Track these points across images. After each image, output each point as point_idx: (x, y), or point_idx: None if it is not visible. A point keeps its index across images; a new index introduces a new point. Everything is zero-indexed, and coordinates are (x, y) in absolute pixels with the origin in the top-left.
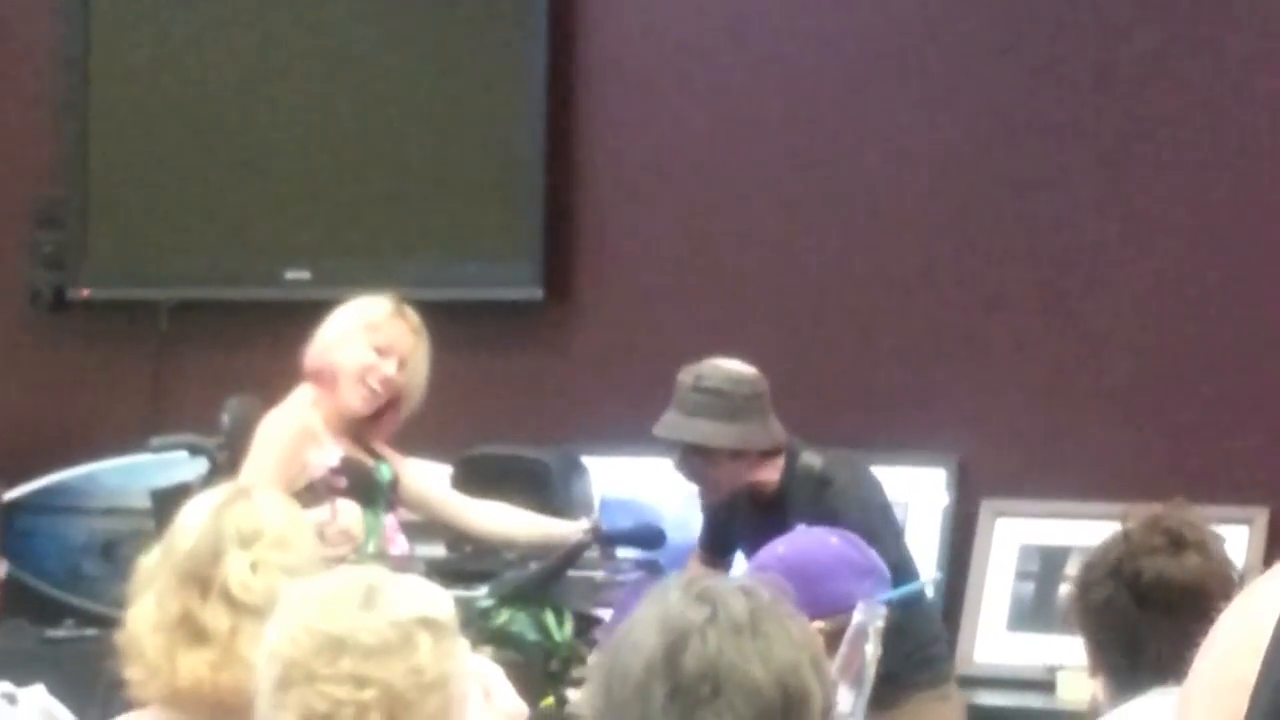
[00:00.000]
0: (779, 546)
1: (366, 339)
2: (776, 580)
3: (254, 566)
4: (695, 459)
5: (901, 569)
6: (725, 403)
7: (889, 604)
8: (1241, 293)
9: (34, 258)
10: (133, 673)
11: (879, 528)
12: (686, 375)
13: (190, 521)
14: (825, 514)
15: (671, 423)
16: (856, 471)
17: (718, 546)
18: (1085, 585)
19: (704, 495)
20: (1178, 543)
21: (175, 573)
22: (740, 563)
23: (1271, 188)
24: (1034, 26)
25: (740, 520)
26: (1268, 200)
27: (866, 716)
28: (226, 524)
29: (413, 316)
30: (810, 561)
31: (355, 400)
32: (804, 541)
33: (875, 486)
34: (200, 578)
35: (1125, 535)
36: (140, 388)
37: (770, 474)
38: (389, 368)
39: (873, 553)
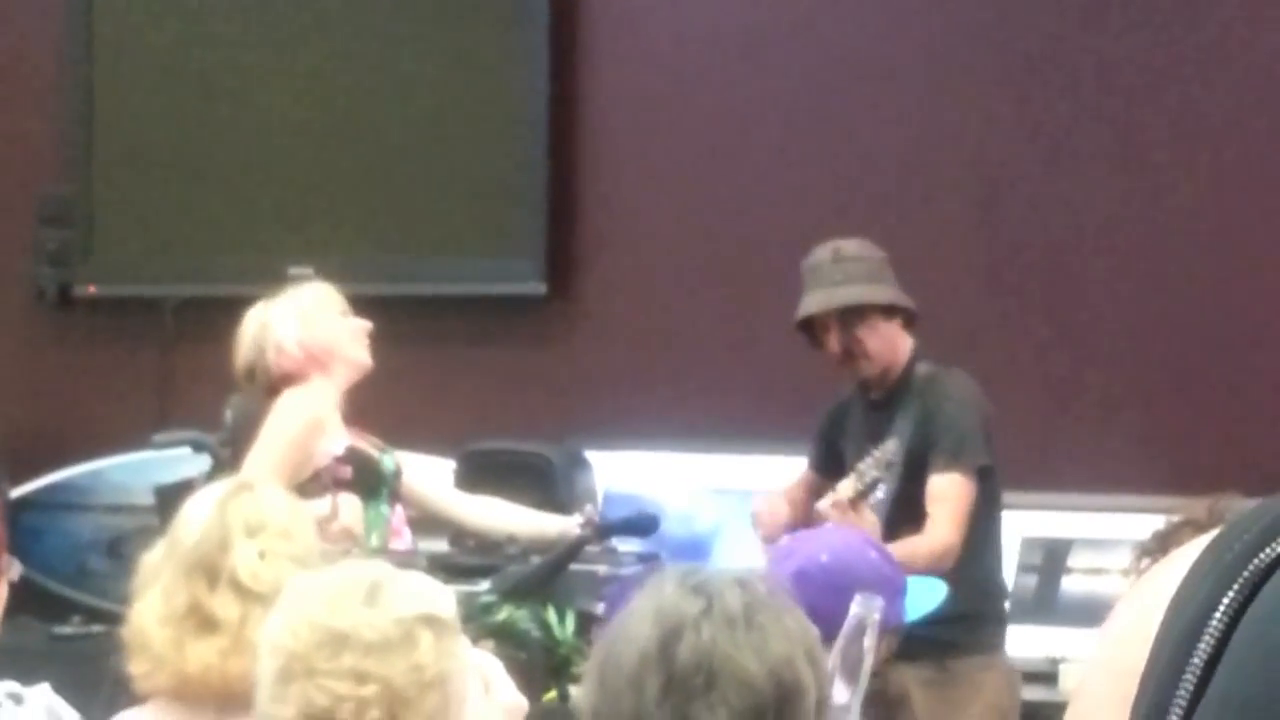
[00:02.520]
0: (821, 553)
1: (327, 310)
2: (809, 592)
3: (262, 555)
4: (853, 328)
5: (989, 480)
6: (869, 266)
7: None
8: (1246, 287)
9: (39, 255)
10: (137, 666)
11: (972, 428)
12: (821, 253)
13: (195, 515)
14: (927, 410)
15: (824, 297)
16: (967, 381)
17: (827, 464)
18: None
19: (862, 369)
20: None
21: (182, 565)
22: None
23: (1277, 184)
24: (1041, 27)
25: (851, 427)
26: (1271, 197)
27: (905, 675)
28: (232, 515)
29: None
30: (852, 574)
31: (363, 356)
32: (846, 552)
33: (981, 399)
34: (208, 568)
35: (1188, 523)
36: (145, 384)
37: (906, 350)
38: (361, 321)
39: (899, 566)
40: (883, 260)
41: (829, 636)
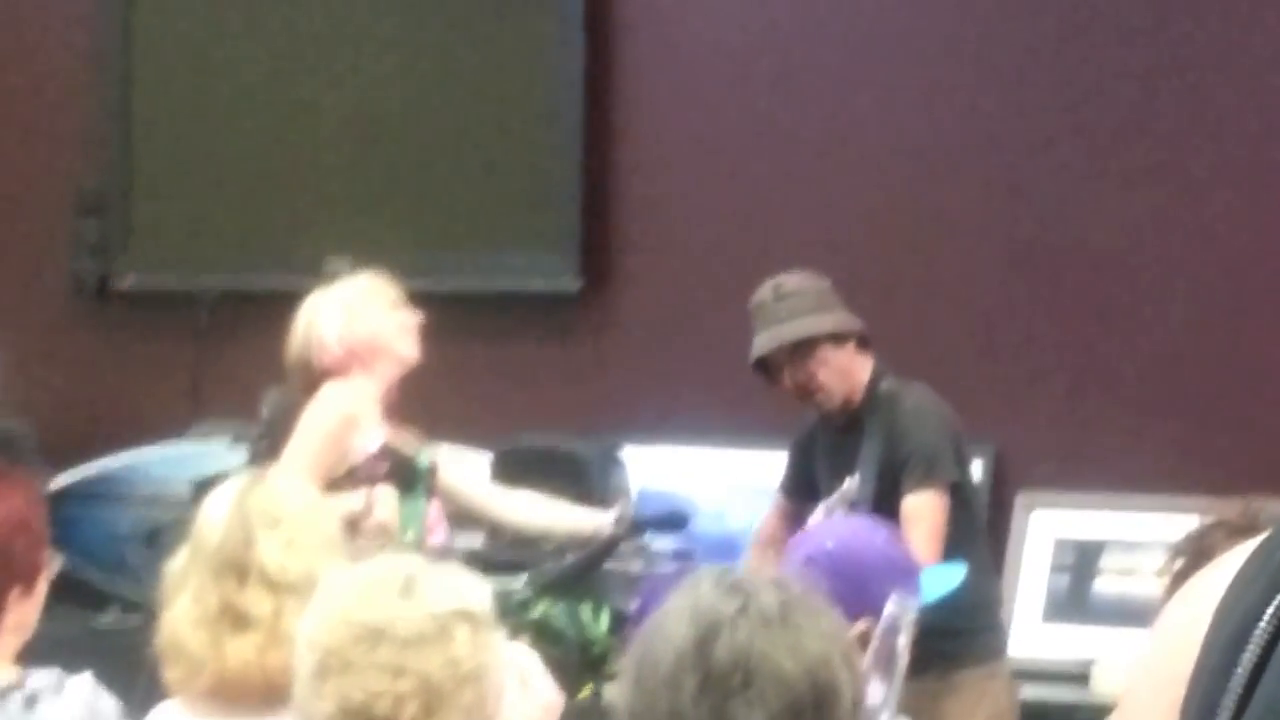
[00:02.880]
0: (828, 540)
1: (375, 303)
2: (818, 579)
3: (287, 545)
4: (804, 362)
5: (963, 495)
6: (810, 298)
7: (981, 595)
8: None
9: (77, 248)
10: (173, 672)
11: (942, 446)
12: (763, 293)
13: (214, 515)
14: (895, 432)
15: (769, 335)
16: (928, 395)
17: (799, 487)
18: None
19: (820, 402)
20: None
21: (209, 566)
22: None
23: None
24: (1084, 13)
25: (820, 451)
26: None
27: (901, 702)
28: (250, 510)
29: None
30: (858, 561)
31: (409, 350)
32: (853, 538)
33: (945, 411)
34: (235, 566)
35: (1221, 524)
36: (182, 377)
37: (863, 373)
38: (410, 313)
39: (911, 551)
40: (825, 290)
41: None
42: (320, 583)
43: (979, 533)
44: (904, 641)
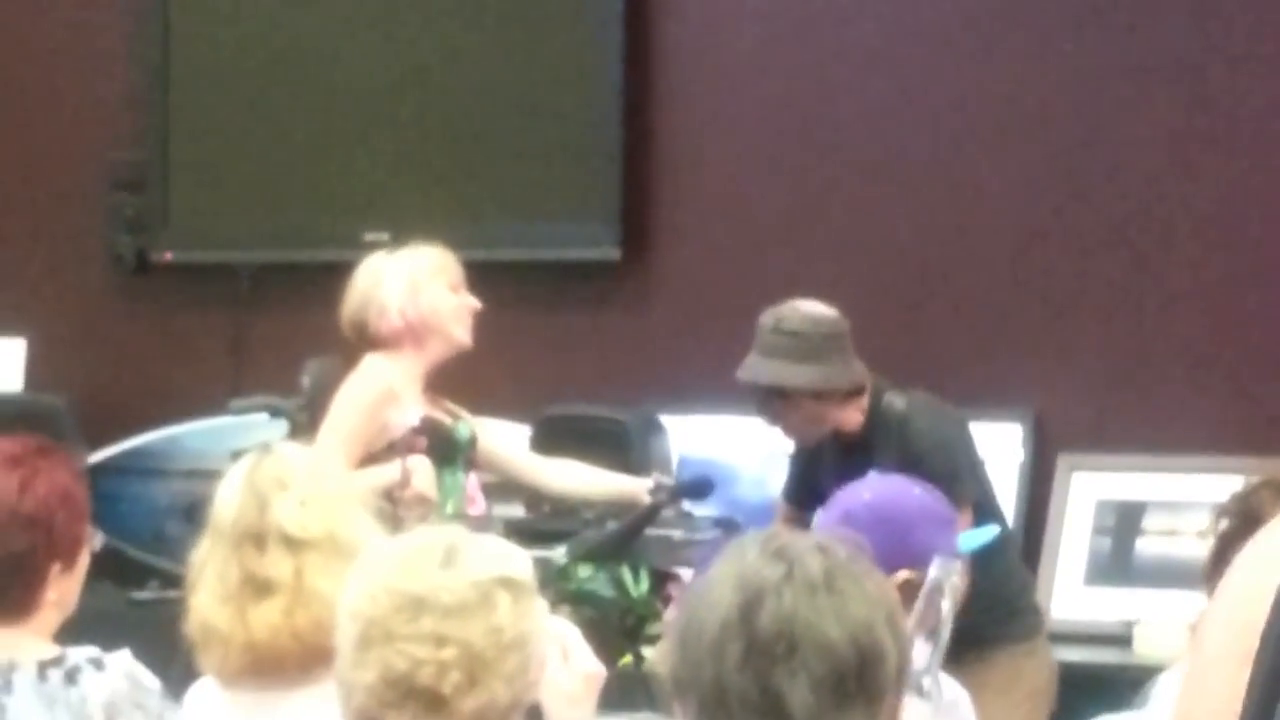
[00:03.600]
0: (864, 492)
1: (439, 282)
2: (858, 533)
3: (303, 503)
4: (776, 401)
5: (984, 508)
6: (804, 344)
7: (965, 555)
8: None
9: (116, 222)
10: (208, 655)
11: (960, 467)
12: (767, 318)
13: (227, 493)
14: (909, 456)
15: (752, 365)
16: (938, 412)
17: (802, 497)
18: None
19: (788, 438)
20: None
21: (227, 541)
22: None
23: None
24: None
25: (825, 466)
26: None
27: (946, 671)
28: (260, 479)
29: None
30: (898, 510)
31: (464, 336)
32: (889, 489)
33: (958, 425)
34: (253, 534)
35: (1267, 484)
36: (221, 350)
37: (854, 415)
38: (471, 299)
39: (945, 501)
40: (829, 334)
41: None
42: (342, 538)
43: (1004, 525)
44: (948, 604)
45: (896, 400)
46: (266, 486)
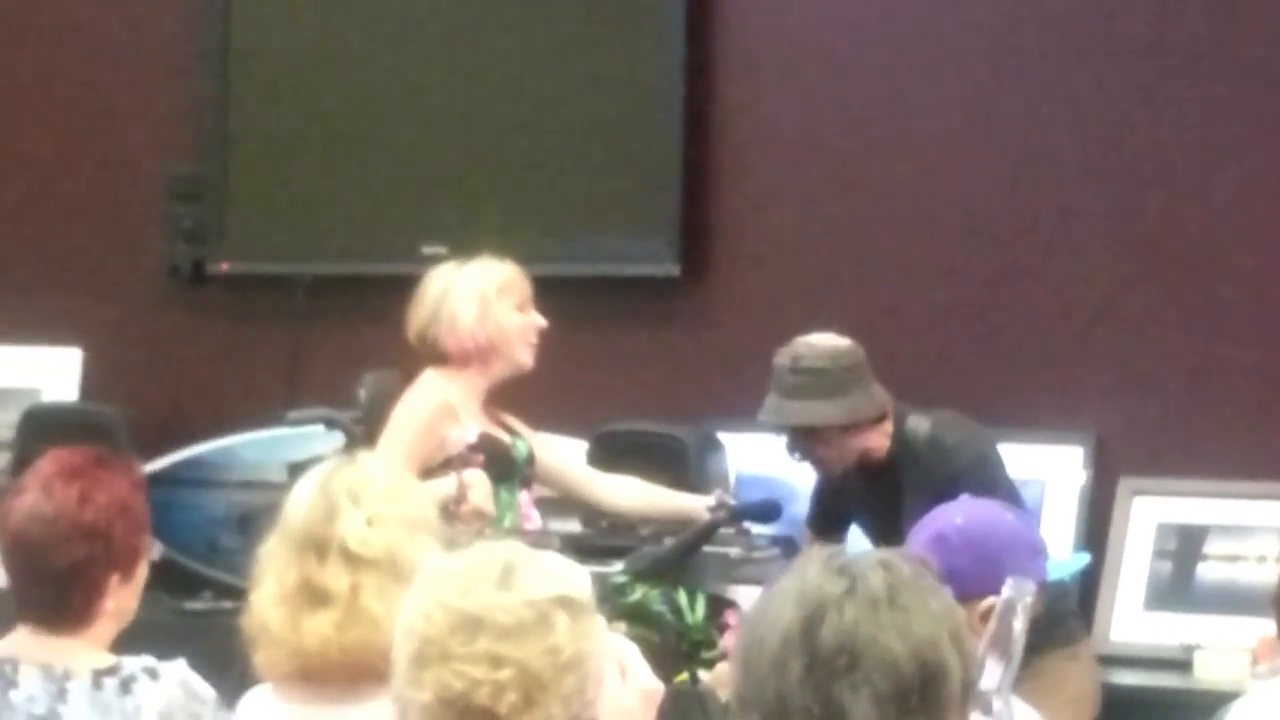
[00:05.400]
0: (956, 516)
1: (508, 301)
2: (950, 555)
3: (370, 522)
4: (806, 440)
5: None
6: (827, 380)
7: (1057, 583)
8: None
9: (173, 232)
10: (261, 655)
11: (998, 481)
12: (782, 358)
13: (301, 495)
14: (943, 479)
15: (776, 407)
16: (967, 428)
17: (827, 524)
18: None
19: (818, 472)
20: None
21: (291, 544)
22: (856, 537)
23: None
24: (1177, 7)
25: (852, 494)
26: None
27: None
28: (335, 487)
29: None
30: (990, 537)
31: (527, 359)
32: (984, 515)
33: (988, 441)
34: (316, 542)
35: None
36: (277, 362)
37: (880, 440)
38: (537, 319)
39: (1036, 529)
40: (848, 366)
41: (969, 595)
42: (403, 562)
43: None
44: (1020, 625)
45: (921, 423)
46: (339, 496)
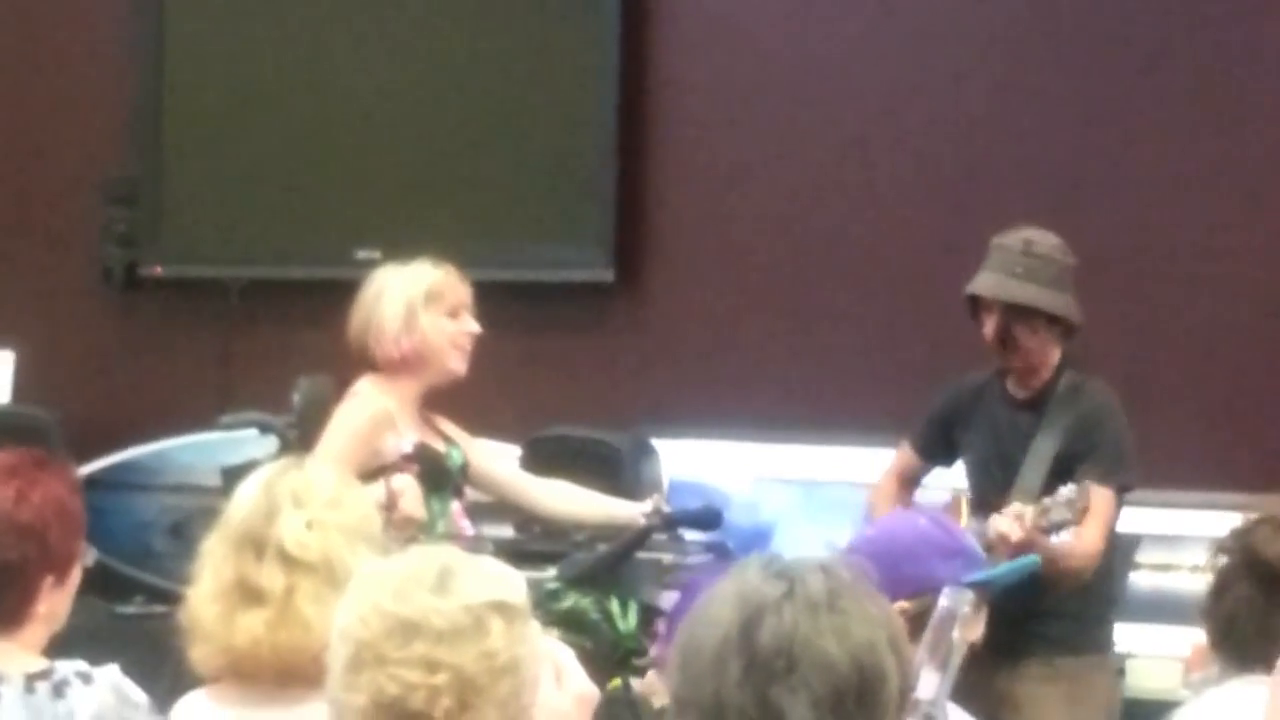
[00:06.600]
0: (868, 529)
1: (437, 308)
2: (859, 561)
3: (309, 525)
4: (1018, 323)
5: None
6: (1054, 270)
7: (987, 586)
8: None
9: (107, 236)
10: (196, 650)
11: (1128, 451)
12: (1012, 239)
13: (244, 494)
14: (1082, 426)
15: (998, 283)
16: (1109, 392)
17: (933, 449)
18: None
19: (1006, 364)
20: None
21: (230, 541)
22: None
23: None
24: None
25: (980, 423)
26: None
27: (1003, 677)
28: (279, 488)
29: (450, 266)
30: (894, 542)
31: (459, 366)
32: (889, 521)
33: (1120, 408)
34: (254, 540)
35: (1266, 520)
36: (211, 365)
37: (1054, 358)
38: (470, 325)
39: (963, 534)
40: (1068, 266)
41: None
42: (339, 569)
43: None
44: (959, 634)
45: (1076, 375)
46: (281, 498)
